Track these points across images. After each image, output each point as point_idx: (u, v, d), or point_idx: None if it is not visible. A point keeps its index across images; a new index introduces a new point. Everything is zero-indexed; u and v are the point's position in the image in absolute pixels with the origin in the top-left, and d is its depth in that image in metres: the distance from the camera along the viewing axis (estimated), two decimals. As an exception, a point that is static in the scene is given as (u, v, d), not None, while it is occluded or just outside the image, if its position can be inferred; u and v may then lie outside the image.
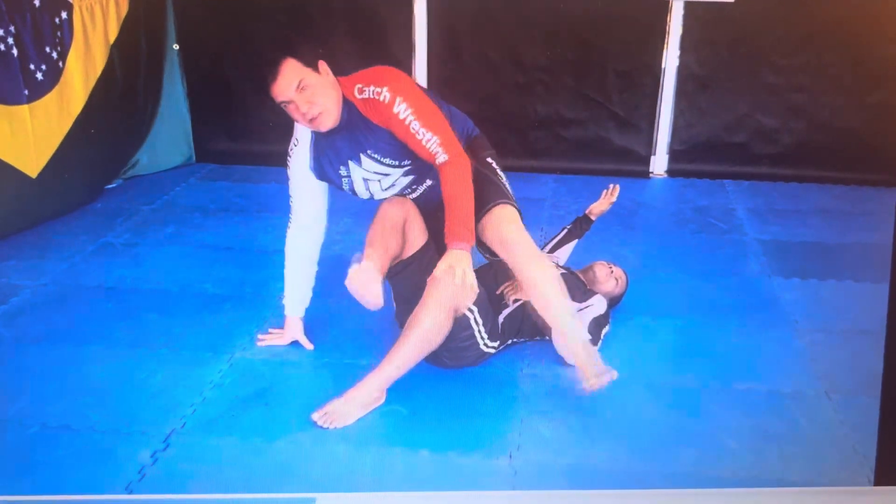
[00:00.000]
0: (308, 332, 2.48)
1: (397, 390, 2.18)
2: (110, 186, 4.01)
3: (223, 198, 3.95)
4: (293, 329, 2.48)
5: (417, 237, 2.33)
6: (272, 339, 2.50)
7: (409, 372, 2.18)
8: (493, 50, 4.19)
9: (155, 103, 4.24)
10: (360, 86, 2.20)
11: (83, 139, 3.57)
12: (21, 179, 3.28)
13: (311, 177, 2.32)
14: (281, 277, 2.46)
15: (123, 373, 2.34)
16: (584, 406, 2.20)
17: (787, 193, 4.07)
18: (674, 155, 4.32)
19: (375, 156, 2.25)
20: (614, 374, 2.16)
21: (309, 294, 2.46)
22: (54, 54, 3.38)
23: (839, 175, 4.16)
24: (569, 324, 2.23)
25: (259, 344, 2.50)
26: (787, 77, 4.10)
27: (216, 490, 1.86)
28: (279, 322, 2.52)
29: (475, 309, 2.27)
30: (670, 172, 4.34)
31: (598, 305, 2.48)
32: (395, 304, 2.45)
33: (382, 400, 2.17)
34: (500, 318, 2.40)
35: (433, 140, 2.17)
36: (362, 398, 2.13)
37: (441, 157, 2.18)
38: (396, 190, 2.35)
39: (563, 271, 2.61)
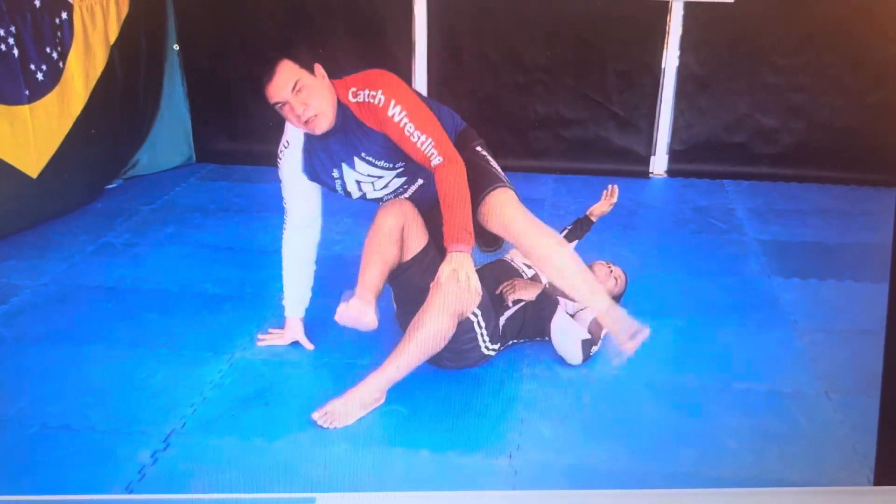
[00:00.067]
0: (308, 332, 2.48)
1: (398, 390, 2.18)
2: (110, 186, 4.01)
3: (223, 198, 3.95)
4: (293, 329, 2.48)
5: (417, 239, 2.32)
6: (272, 339, 2.50)
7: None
8: (493, 50, 4.19)
9: (155, 103, 4.24)
10: (354, 89, 2.20)
11: (83, 139, 3.57)
12: (21, 179, 3.28)
13: (304, 178, 2.32)
14: (281, 277, 2.46)
15: (123, 373, 2.34)
16: (584, 406, 2.21)
17: (787, 193, 4.07)
18: (674, 155, 4.32)
19: (369, 158, 2.25)
20: (647, 331, 2.17)
21: (308, 294, 2.46)
22: (55, 54, 3.38)
23: (839, 175, 4.16)
24: (589, 294, 2.23)
25: (259, 344, 2.50)
26: (787, 77, 4.10)
27: (216, 490, 1.86)
28: (279, 322, 2.53)
29: (479, 312, 2.27)
30: (670, 172, 4.34)
31: (598, 305, 2.48)
32: (395, 306, 2.45)
33: (382, 400, 2.17)
34: (501, 321, 2.40)
35: (427, 142, 2.17)
36: (362, 398, 2.13)
37: (436, 160, 2.18)
38: (389, 191, 2.35)
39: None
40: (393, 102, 2.16)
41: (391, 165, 2.28)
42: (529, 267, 2.61)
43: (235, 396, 2.24)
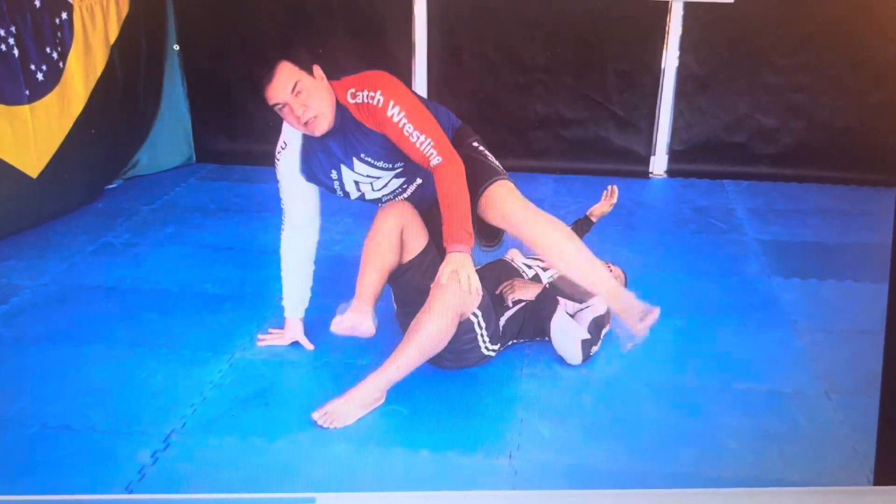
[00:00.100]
0: (308, 332, 2.48)
1: (397, 390, 2.18)
2: (110, 186, 4.01)
3: (223, 198, 3.95)
4: (293, 330, 2.48)
5: (417, 241, 2.31)
6: (272, 339, 2.50)
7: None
8: (493, 50, 4.19)
9: (155, 103, 4.24)
10: (352, 90, 2.20)
11: (83, 139, 3.57)
12: (21, 179, 3.28)
13: (301, 179, 2.32)
14: (280, 277, 2.46)
15: (123, 373, 2.34)
16: (584, 406, 2.20)
17: (786, 193, 4.07)
18: (673, 155, 4.32)
19: (368, 159, 2.25)
20: (657, 312, 2.17)
21: (307, 294, 2.46)
22: (55, 54, 3.38)
23: (839, 175, 4.16)
24: (595, 278, 2.24)
25: (259, 344, 2.50)
26: (787, 77, 4.10)
27: (216, 490, 1.86)
28: (279, 322, 2.53)
29: (479, 313, 2.27)
30: (670, 172, 4.34)
31: (598, 305, 2.48)
32: (395, 306, 2.45)
33: (382, 400, 2.17)
34: (502, 321, 2.40)
35: (427, 142, 2.17)
36: (362, 398, 2.13)
37: (435, 160, 2.18)
38: (388, 191, 2.35)
39: (563, 271, 2.61)
40: (392, 103, 2.16)
41: (390, 166, 2.28)
42: (530, 267, 2.61)
43: (235, 396, 2.24)
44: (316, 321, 2.49)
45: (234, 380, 2.32)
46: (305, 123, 2.16)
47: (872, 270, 2.98)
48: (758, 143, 4.24)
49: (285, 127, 2.28)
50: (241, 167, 4.31)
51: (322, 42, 4.09)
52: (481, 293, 2.21)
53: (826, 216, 3.76)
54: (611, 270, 2.64)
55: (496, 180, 2.30)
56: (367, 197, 2.37)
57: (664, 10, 4.05)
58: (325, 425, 2.08)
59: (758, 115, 4.19)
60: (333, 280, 2.56)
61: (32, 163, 3.32)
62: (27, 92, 3.24)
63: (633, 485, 1.89)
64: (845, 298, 2.87)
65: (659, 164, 4.34)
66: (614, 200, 2.79)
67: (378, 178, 2.31)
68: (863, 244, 3.40)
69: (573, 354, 2.37)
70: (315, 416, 2.10)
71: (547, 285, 2.50)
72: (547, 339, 2.43)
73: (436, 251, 2.32)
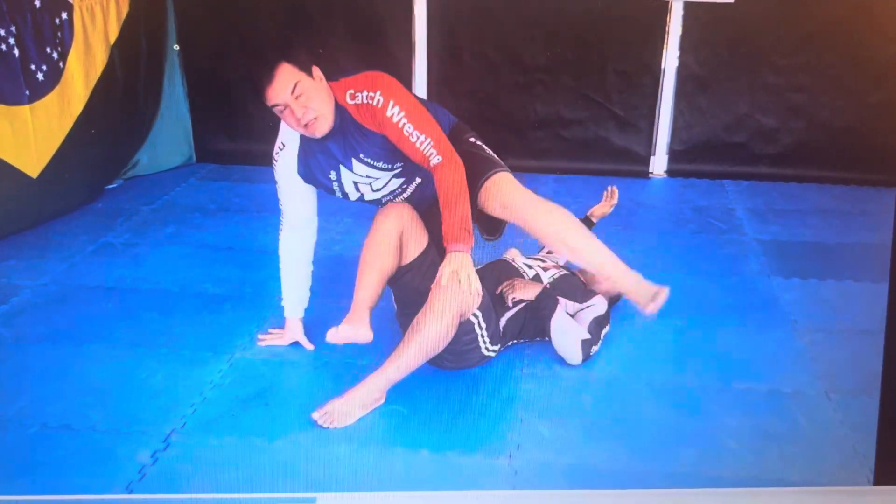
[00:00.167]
0: (308, 332, 2.48)
1: (397, 390, 2.18)
2: (110, 186, 4.00)
3: (223, 198, 3.95)
4: (293, 330, 2.48)
5: (417, 242, 2.31)
6: (272, 339, 2.50)
7: (408, 372, 2.18)
8: (493, 50, 4.19)
9: (155, 103, 4.24)
10: (351, 91, 2.20)
11: (84, 139, 3.57)
12: (21, 179, 3.28)
13: (299, 180, 2.31)
14: (280, 277, 2.46)
15: (123, 373, 2.34)
16: (584, 406, 2.20)
17: (786, 193, 4.07)
18: (673, 155, 4.32)
19: (368, 160, 2.25)
20: (666, 291, 2.18)
21: (307, 295, 2.46)
22: (55, 54, 3.38)
23: (839, 175, 4.15)
24: (602, 259, 2.25)
25: (259, 344, 2.50)
26: (787, 77, 4.10)
27: (216, 490, 1.86)
28: (279, 322, 2.53)
29: (479, 314, 2.27)
30: (670, 172, 4.34)
31: (598, 305, 2.48)
32: (395, 306, 2.45)
33: (382, 400, 2.17)
34: (502, 322, 2.40)
35: (427, 142, 2.18)
36: (362, 398, 2.13)
37: (435, 159, 2.18)
38: (387, 191, 2.35)
39: (564, 272, 2.62)
40: (392, 103, 2.16)
41: (389, 166, 2.28)
42: (530, 267, 2.61)
43: (235, 396, 2.24)
44: (316, 321, 2.49)
45: (234, 380, 2.32)
46: (305, 125, 2.16)
47: (872, 270, 2.98)
48: (758, 143, 4.24)
49: (283, 127, 2.28)
50: (241, 167, 4.31)
51: (322, 42, 4.09)
52: (481, 293, 2.21)
53: (826, 216, 3.76)
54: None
55: (496, 172, 2.31)
56: (367, 198, 2.37)
57: (664, 10, 4.05)
58: (325, 425, 2.08)
59: (758, 115, 4.19)
60: (333, 280, 2.56)
61: (32, 163, 3.32)
62: (27, 92, 3.24)
63: (633, 485, 1.89)
64: (845, 298, 2.87)
65: (659, 164, 4.34)
66: (615, 201, 2.79)
67: (377, 178, 2.31)
68: (863, 244, 3.40)
69: (573, 354, 2.37)
70: (315, 416, 2.10)
71: (547, 285, 2.50)
72: (547, 339, 2.43)
73: (435, 252, 2.32)
